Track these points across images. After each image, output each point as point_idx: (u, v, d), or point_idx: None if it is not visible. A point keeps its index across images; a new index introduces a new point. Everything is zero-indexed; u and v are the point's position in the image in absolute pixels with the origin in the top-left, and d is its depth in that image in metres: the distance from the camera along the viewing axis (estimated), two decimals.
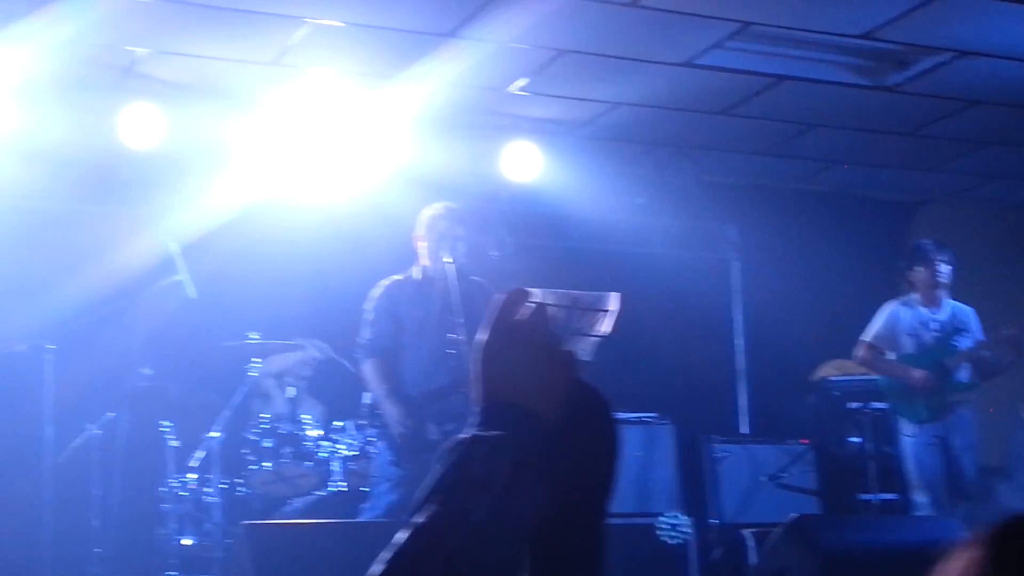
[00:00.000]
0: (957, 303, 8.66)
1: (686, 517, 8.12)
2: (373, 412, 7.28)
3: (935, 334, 8.51)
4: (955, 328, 8.54)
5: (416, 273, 7.32)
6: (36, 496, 7.51)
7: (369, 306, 7.33)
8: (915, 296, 8.65)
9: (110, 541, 7.61)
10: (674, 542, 7.98)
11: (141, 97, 8.29)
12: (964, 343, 8.51)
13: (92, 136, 8.38)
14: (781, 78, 8.64)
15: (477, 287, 7.30)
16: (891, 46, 8.25)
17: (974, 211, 11.36)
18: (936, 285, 8.54)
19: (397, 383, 7.18)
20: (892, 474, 8.97)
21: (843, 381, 9.82)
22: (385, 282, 7.37)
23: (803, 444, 9.50)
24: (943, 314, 8.58)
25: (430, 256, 7.21)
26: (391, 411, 7.08)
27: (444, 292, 7.03)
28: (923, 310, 8.58)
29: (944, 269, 8.54)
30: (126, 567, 7.74)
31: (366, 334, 7.28)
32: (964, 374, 8.51)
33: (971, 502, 8.37)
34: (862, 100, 9.02)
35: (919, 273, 8.58)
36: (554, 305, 6.63)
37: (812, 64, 8.53)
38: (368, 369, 7.23)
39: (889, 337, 8.60)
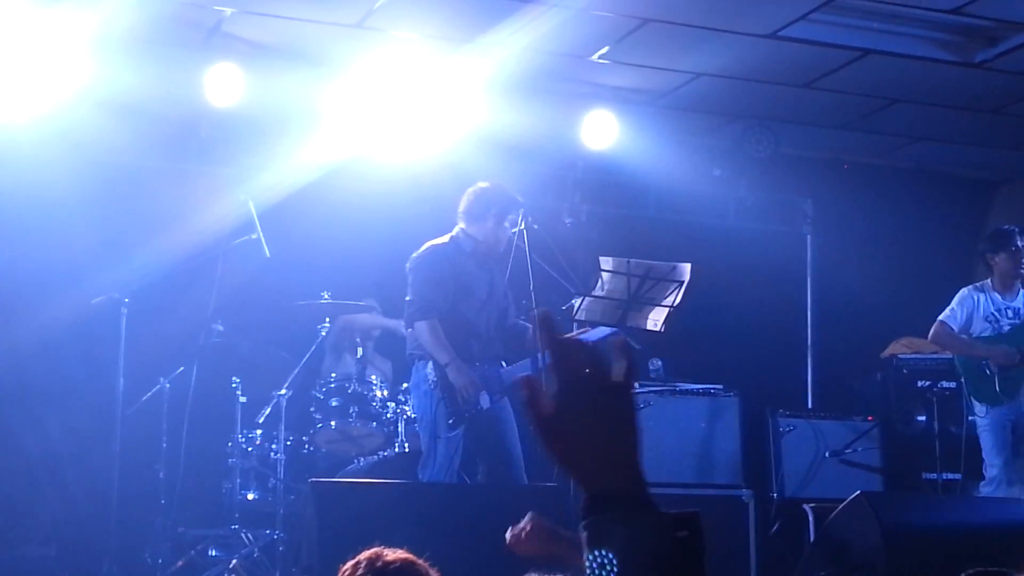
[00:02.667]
0: None
1: None
2: (437, 370, 7.17)
3: (1011, 321, 8.42)
4: None
5: (466, 242, 7.32)
6: (106, 446, 7.68)
7: (424, 266, 7.27)
8: (990, 282, 8.53)
9: (175, 493, 7.77)
10: None
11: (226, 57, 8.37)
12: None
13: (176, 94, 8.51)
14: (866, 52, 8.56)
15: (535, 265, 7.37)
16: (980, 22, 8.15)
17: None
18: (1016, 275, 8.42)
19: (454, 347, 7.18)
20: (957, 454, 8.90)
21: (912, 359, 9.75)
22: (438, 243, 7.33)
23: (869, 421, 9.45)
24: (1019, 301, 8.48)
25: (485, 229, 7.24)
26: (464, 372, 7.05)
27: (501, 264, 7.05)
28: (998, 297, 8.48)
29: None
30: (191, 519, 7.91)
31: (421, 293, 7.21)
32: None
33: None
34: (948, 76, 8.93)
35: (1000, 260, 8.46)
36: (626, 274, 6.60)
37: (899, 38, 8.46)
38: (428, 329, 7.11)
39: (965, 323, 8.50)
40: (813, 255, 10.95)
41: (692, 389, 8.95)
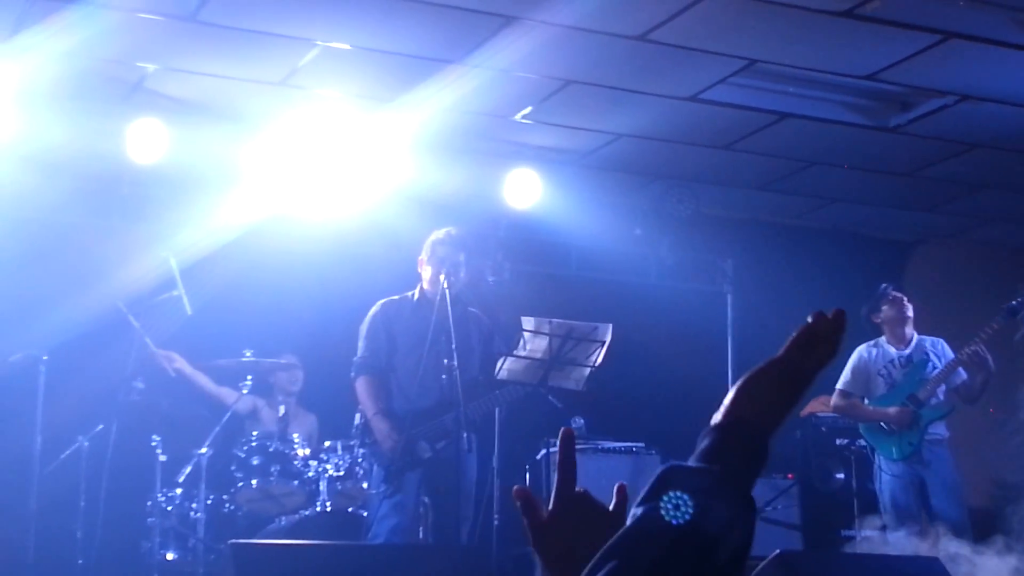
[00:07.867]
0: (924, 336, 8.68)
1: None
2: (365, 430, 7.31)
3: (903, 370, 8.55)
4: (923, 358, 8.55)
5: (415, 295, 7.41)
6: (22, 505, 7.53)
7: (364, 324, 7.46)
8: (883, 338, 8.68)
9: (93, 552, 7.63)
10: None
11: (148, 112, 8.34)
12: (934, 371, 8.50)
13: (98, 149, 8.46)
14: (784, 115, 8.70)
15: (473, 317, 7.40)
16: (894, 88, 8.31)
17: (969, 252, 11.39)
18: (904, 321, 8.58)
19: (387, 401, 7.28)
20: (874, 511, 8.98)
21: (830, 417, 9.85)
22: (382, 301, 7.50)
23: (788, 479, 9.53)
24: (911, 348, 8.62)
25: (430, 280, 7.32)
26: (380, 427, 7.16)
27: (440, 315, 7.09)
28: (891, 349, 8.61)
29: (908, 304, 8.59)
30: None
31: (360, 351, 7.40)
32: (940, 397, 8.49)
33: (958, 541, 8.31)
34: (863, 140, 9.09)
35: (886, 313, 8.62)
36: (548, 334, 6.63)
37: (815, 103, 8.60)
38: (361, 386, 7.34)
39: (861, 381, 8.64)
40: (733, 314, 11.06)
41: (614, 447, 9.00)
